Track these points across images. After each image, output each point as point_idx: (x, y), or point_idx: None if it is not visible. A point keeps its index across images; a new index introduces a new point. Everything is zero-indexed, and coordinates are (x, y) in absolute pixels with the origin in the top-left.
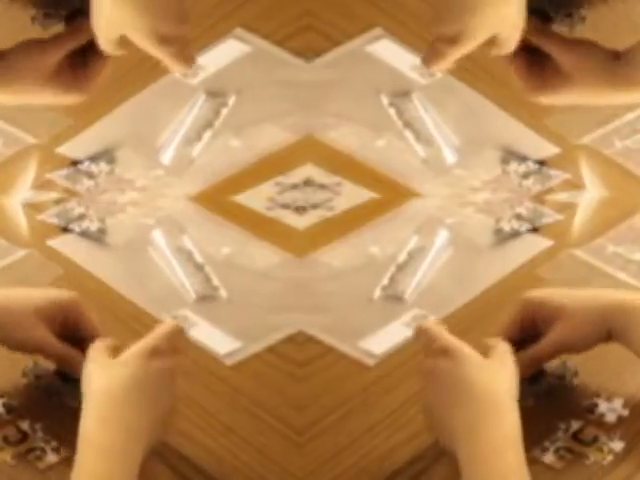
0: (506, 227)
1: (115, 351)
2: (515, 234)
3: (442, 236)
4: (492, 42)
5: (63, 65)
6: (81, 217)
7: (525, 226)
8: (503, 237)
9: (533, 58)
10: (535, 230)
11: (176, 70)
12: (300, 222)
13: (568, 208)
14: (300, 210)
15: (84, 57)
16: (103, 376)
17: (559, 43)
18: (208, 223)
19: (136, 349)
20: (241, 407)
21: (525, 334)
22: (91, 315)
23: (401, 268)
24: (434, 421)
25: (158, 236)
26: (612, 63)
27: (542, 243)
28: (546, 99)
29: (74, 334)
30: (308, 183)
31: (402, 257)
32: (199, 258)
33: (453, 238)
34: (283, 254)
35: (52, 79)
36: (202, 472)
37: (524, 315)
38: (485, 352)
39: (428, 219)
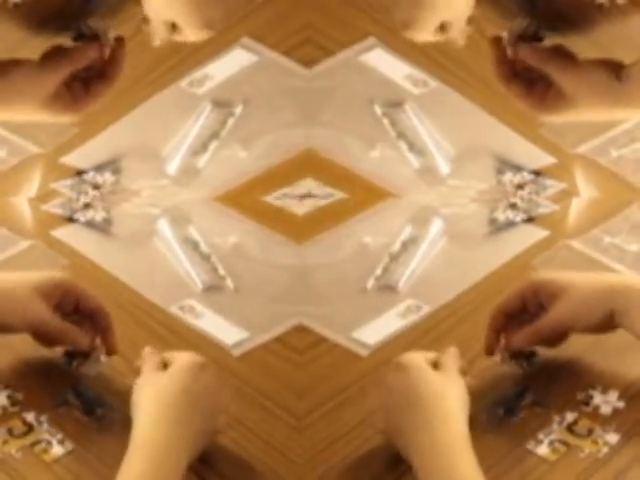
0: (501, 217)
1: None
2: (510, 224)
3: (436, 226)
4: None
5: (62, 89)
6: (86, 207)
7: (520, 216)
8: (498, 227)
9: (534, 79)
10: (530, 220)
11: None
12: (299, 208)
13: (564, 199)
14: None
15: (85, 79)
16: (156, 387)
17: (560, 67)
18: (214, 213)
19: (183, 362)
20: (251, 399)
21: (529, 311)
22: (88, 292)
23: (394, 258)
24: (389, 431)
25: (164, 226)
26: (613, 82)
27: (538, 233)
28: (548, 118)
29: (73, 311)
30: (309, 196)
31: (396, 247)
32: (206, 248)
33: (447, 228)
34: (286, 241)
35: (50, 102)
36: (211, 467)
37: (528, 292)
38: (438, 364)
39: (422, 209)
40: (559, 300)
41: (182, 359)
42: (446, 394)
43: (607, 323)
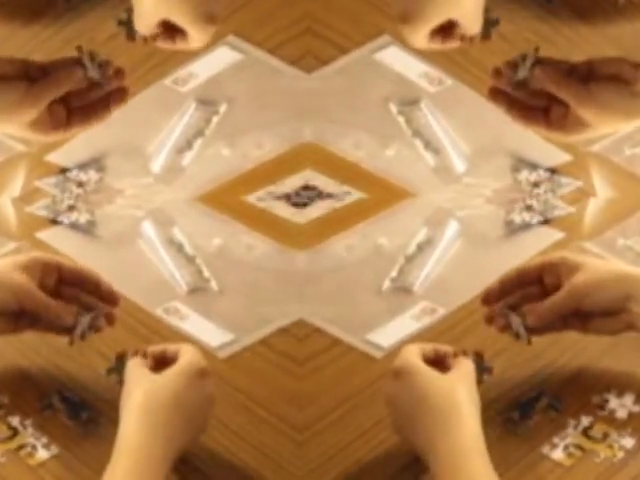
0: (517, 219)
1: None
2: (526, 226)
3: (452, 227)
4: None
5: (45, 114)
6: (70, 209)
7: (536, 218)
8: (513, 229)
9: (551, 104)
10: (546, 222)
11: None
12: (301, 216)
13: (580, 198)
14: (300, 205)
15: (71, 107)
16: (146, 390)
17: (577, 94)
18: (199, 214)
19: (183, 366)
20: (236, 402)
21: (544, 283)
22: (66, 260)
23: (410, 260)
24: (405, 437)
25: (148, 228)
26: (626, 98)
27: (553, 235)
28: (566, 139)
29: (56, 283)
30: (306, 189)
31: (411, 249)
32: (190, 250)
33: (463, 229)
34: (276, 245)
35: (32, 125)
36: (198, 470)
37: (547, 265)
38: (447, 366)
39: (438, 210)
40: (576, 273)
41: (184, 362)
42: (456, 396)
43: (620, 308)
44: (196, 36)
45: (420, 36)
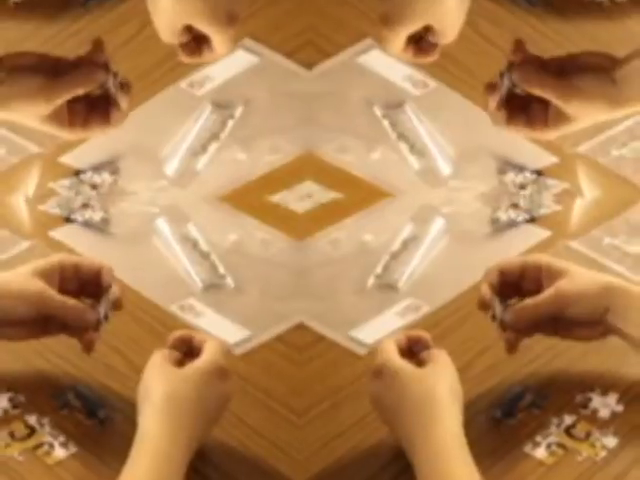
0: (503, 217)
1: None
2: (512, 224)
3: (437, 224)
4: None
5: (62, 110)
6: (84, 207)
7: (522, 216)
8: (500, 227)
9: (527, 105)
10: (532, 220)
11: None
12: (299, 206)
13: (566, 199)
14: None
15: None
16: (168, 385)
17: (561, 89)
18: (213, 210)
19: (205, 365)
20: (253, 399)
21: (525, 284)
22: (84, 259)
23: (395, 256)
24: (392, 434)
25: (162, 224)
26: (608, 88)
27: (539, 233)
28: (548, 136)
29: (78, 285)
30: (309, 197)
31: (396, 245)
32: (205, 246)
33: (449, 227)
34: (286, 239)
35: (50, 119)
36: (213, 464)
37: (530, 265)
38: (423, 361)
39: (423, 207)
40: (558, 280)
41: (208, 359)
42: (434, 394)
43: (598, 319)
44: (218, 39)
45: (397, 41)
